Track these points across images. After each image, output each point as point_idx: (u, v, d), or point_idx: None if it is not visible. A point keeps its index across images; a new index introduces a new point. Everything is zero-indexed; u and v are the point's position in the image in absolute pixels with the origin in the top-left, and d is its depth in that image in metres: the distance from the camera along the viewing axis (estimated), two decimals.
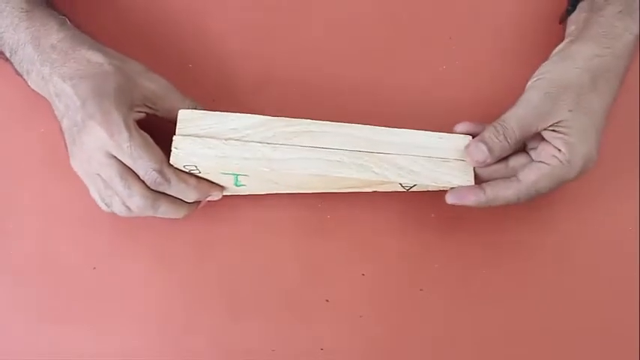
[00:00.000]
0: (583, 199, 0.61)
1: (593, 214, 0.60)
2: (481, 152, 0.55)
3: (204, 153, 0.54)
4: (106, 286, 0.59)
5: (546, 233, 0.60)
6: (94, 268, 0.59)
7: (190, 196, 0.57)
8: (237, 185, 0.57)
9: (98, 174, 0.55)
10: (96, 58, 0.56)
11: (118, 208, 0.57)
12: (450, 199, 0.55)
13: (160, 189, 0.55)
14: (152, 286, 0.59)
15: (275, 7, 0.66)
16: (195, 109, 0.57)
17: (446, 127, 0.56)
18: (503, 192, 0.55)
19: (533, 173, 0.54)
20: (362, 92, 0.63)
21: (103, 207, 0.58)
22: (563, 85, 0.55)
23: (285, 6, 0.66)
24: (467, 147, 0.55)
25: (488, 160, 0.55)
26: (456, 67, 0.64)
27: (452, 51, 0.65)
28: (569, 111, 0.54)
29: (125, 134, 0.54)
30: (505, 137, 0.55)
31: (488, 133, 0.55)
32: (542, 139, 0.55)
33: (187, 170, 0.55)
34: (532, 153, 0.56)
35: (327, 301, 0.58)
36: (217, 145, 0.54)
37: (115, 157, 0.55)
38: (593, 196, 0.61)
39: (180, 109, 0.56)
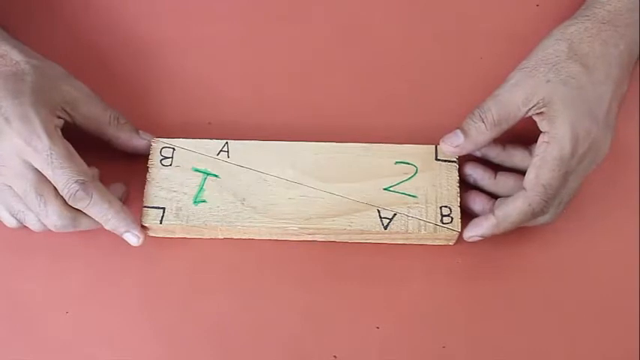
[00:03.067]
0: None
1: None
2: (455, 136, 0.54)
3: (186, 141, 0.57)
4: (79, 333, 0.54)
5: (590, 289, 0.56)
6: (67, 312, 0.55)
7: (110, 221, 0.53)
8: (195, 203, 0.55)
9: (9, 186, 0.52)
10: (11, 54, 0.54)
11: (34, 225, 0.53)
12: (467, 233, 0.54)
13: (79, 205, 0.51)
14: (132, 335, 0.55)
15: (270, 26, 0.66)
16: (118, 120, 0.56)
17: None
18: (512, 205, 0.53)
19: (531, 171, 0.53)
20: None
21: (12, 223, 0.53)
22: (539, 57, 0.54)
23: (282, 23, 0.66)
24: (443, 137, 0.55)
25: (468, 147, 0.54)
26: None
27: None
28: (547, 82, 0.53)
29: (45, 141, 0.50)
30: (481, 118, 0.53)
31: (467, 119, 0.54)
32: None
33: (162, 156, 0.56)
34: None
35: (334, 357, 0.54)
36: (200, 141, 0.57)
37: (32, 166, 0.51)
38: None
39: (100, 116, 0.55)
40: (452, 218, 0.55)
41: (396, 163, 0.57)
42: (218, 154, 0.57)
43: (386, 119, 0.61)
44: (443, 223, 0.55)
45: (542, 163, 0.52)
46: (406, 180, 0.56)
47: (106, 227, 0.54)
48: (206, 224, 0.55)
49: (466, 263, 0.57)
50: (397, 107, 0.62)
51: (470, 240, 0.54)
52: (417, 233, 0.55)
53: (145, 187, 0.56)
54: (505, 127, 0.54)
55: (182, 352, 0.54)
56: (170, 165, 0.57)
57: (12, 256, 0.57)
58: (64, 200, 0.52)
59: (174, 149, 0.57)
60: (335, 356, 0.54)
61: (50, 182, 0.52)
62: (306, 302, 0.56)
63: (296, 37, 0.65)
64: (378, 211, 0.55)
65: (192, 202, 0.55)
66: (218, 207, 0.55)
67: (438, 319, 0.55)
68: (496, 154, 0.57)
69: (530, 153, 0.55)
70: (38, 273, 0.56)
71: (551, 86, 0.53)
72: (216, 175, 0.56)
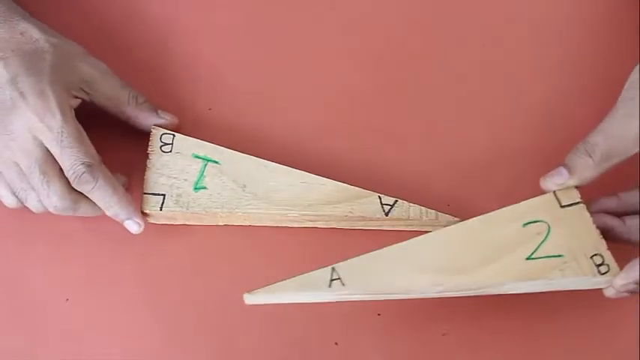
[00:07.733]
0: None
1: None
2: (559, 174, 0.51)
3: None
4: (78, 320, 0.54)
5: None
6: (67, 299, 0.55)
7: (113, 207, 0.52)
8: (195, 189, 0.55)
9: (16, 162, 0.51)
10: (31, 32, 0.53)
11: (34, 205, 0.52)
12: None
13: (84, 188, 0.51)
14: (132, 322, 0.54)
15: (277, 18, 0.66)
16: (137, 99, 0.56)
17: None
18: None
19: None
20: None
21: (12, 202, 0.53)
22: None
23: (289, 16, 0.66)
24: (545, 175, 0.52)
25: (571, 182, 0.51)
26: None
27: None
28: None
29: (58, 118, 0.50)
30: (587, 152, 0.50)
31: (570, 155, 0.51)
32: None
33: (162, 143, 0.55)
34: None
35: (335, 344, 0.54)
36: None
37: (41, 144, 0.51)
38: None
39: (118, 95, 0.55)
40: (608, 266, 0.49)
41: (524, 225, 0.51)
42: None
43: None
44: (601, 274, 0.49)
45: None
46: (543, 241, 0.51)
47: (108, 213, 0.53)
48: (206, 211, 0.55)
49: None
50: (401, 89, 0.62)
51: (622, 289, 0.49)
52: (419, 220, 0.55)
53: (145, 173, 0.56)
54: (615, 162, 0.51)
55: (182, 339, 0.54)
56: (170, 151, 0.56)
57: (12, 242, 0.56)
58: (68, 182, 0.52)
59: (174, 136, 0.57)
60: (336, 343, 0.54)
61: (56, 163, 0.51)
62: None
63: (305, 26, 0.65)
64: (380, 197, 0.55)
65: (192, 188, 0.55)
66: (218, 193, 0.55)
67: (438, 306, 0.55)
68: (616, 205, 0.53)
69: None
70: (38, 259, 0.56)
71: None
72: (216, 162, 0.56)
